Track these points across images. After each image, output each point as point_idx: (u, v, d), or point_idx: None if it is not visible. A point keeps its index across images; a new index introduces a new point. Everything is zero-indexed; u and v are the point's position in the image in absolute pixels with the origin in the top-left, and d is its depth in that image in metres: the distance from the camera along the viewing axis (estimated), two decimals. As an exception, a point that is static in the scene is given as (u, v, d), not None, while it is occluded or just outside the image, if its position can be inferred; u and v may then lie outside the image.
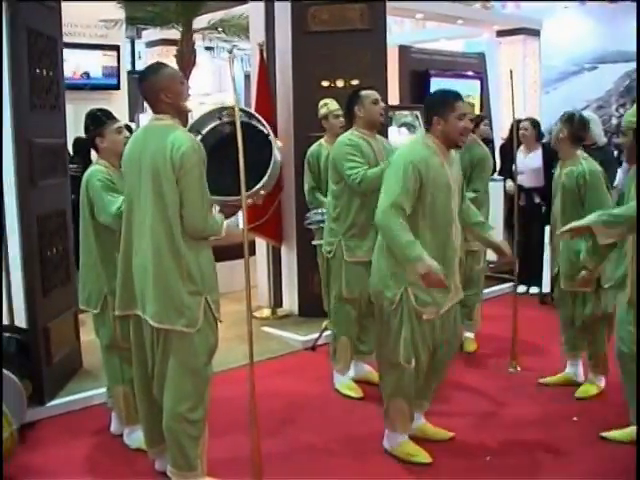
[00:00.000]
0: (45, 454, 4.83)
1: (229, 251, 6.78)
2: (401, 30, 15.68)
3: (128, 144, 4.12)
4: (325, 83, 7.35)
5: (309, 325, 7.32)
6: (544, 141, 8.42)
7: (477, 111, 11.20)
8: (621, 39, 14.47)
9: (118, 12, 11.27)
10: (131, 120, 12.26)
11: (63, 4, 5.94)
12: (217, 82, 17.57)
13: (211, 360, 4.10)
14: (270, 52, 7.73)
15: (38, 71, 5.43)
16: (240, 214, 4.26)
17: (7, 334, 5.30)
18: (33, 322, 5.35)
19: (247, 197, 4.16)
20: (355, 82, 7.19)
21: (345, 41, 7.28)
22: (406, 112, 10.83)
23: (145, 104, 4.27)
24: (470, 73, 12.90)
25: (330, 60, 7.33)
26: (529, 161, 8.20)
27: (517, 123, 7.54)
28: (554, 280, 5.66)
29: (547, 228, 5.79)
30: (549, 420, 5.23)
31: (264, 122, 4.70)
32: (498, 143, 10.46)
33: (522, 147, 8.20)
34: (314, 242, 6.51)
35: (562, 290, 5.54)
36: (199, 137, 4.59)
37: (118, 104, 11.18)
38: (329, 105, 6.51)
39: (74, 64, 11.07)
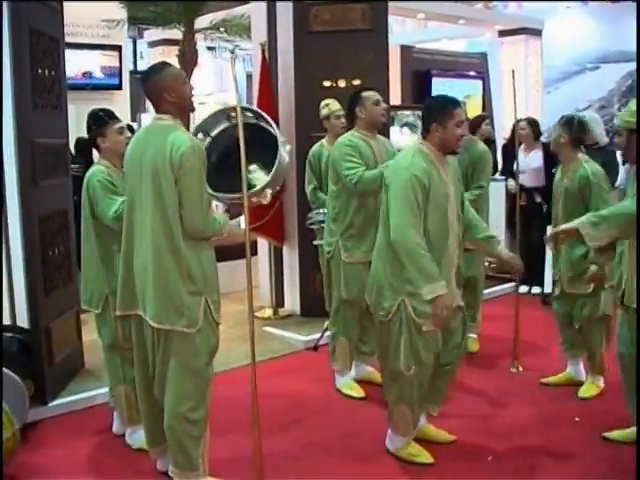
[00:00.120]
0: (47, 454, 4.84)
1: (231, 251, 6.78)
2: (403, 30, 15.67)
3: (130, 144, 4.12)
4: (327, 83, 7.35)
5: (311, 325, 7.32)
6: (545, 141, 8.42)
7: (479, 111, 11.22)
8: (623, 39, 14.45)
9: (120, 12, 11.29)
10: (133, 120, 12.28)
11: (65, 4, 5.95)
12: (219, 82, 17.59)
13: (212, 360, 4.10)
14: (272, 52, 7.74)
15: (40, 71, 5.43)
16: (242, 216, 4.26)
17: (9, 334, 5.31)
18: (35, 322, 5.35)
19: (252, 196, 4.16)
20: (357, 82, 7.20)
21: (347, 41, 7.28)
22: (408, 112, 10.82)
23: (147, 104, 4.28)
24: (472, 73, 12.90)
25: (332, 60, 7.33)
26: (530, 160, 8.19)
27: (518, 123, 7.54)
28: (554, 282, 5.65)
29: (549, 228, 5.77)
30: (551, 420, 5.23)
31: (272, 123, 4.70)
32: (500, 143, 10.45)
33: (522, 146, 8.20)
34: (316, 242, 6.51)
35: (562, 291, 5.53)
36: (209, 139, 4.59)
37: (120, 104, 11.19)
38: (330, 105, 6.51)
39: (76, 64, 11.08)
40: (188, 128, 4.30)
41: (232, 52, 12.27)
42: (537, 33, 13.68)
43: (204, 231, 3.92)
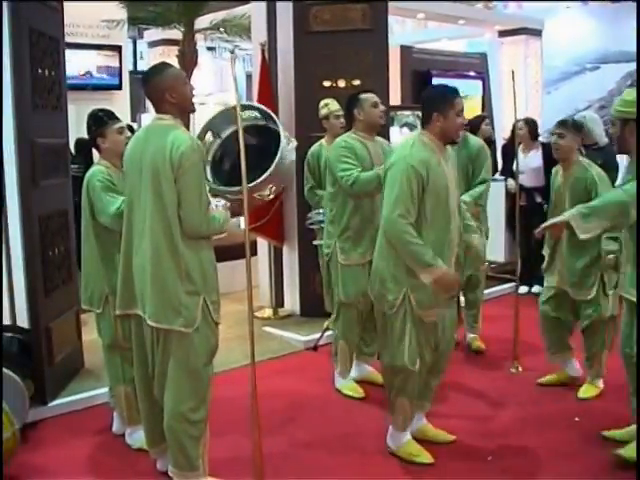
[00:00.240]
0: (47, 454, 4.84)
1: (231, 251, 6.78)
2: (403, 30, 15.69)
3: (129, 144, 4.12)
4: (327, 83, 7.34)
5: (311, 325, 7.32)
6: (544, 141, 8.43)
7: (479, 111, 11.23)
8: (623, 39, 14.46)
9: (120, 12, 11.29)
10: (133, 120, 12.27)
11: (65, 4, 5.95)
12: (219, 82, 17.58)
13: (212, 360, 4.10)
14: (272, 52, 7.73)
15: (40, 71, 5.43)
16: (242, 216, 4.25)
17: (9, 334, 5.31)
18: (35, 322, 5.35)
19: (253, 191, 4.15)
20: (357, 82, 7.19)
21: (347, 41, 7.27)
22: (408, 112, 10.84)
23: (147, 104, 4.27)
24: (472, 73, 12.92)
25: (332, 60, 7.32)
26: (529, 160, 8.19)
27: (518, 123, 7.55)
28: (549, 287, 5.62)
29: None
30: (550, 420, 5.23)
31: (277, 119, 4.69)
32: (500, 143, 10.46)
33: (521, 147, 8.20)
34: (315, 242, 6.52)
35: (557, 295, 5.53)
36: (219, 140, 4.57)
37: (120, 104, 11.19)
38: (330, 105, 6.51)
39: (76, 64, 11.07)
40: (188, 128, 4.29)
41: (232, 52, 12.28)
42: (537, 33, 13.70)
43: (203, 231, 3.92)
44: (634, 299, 4.24)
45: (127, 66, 12.63)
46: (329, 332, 6.24)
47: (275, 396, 5.56)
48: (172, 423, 4.01)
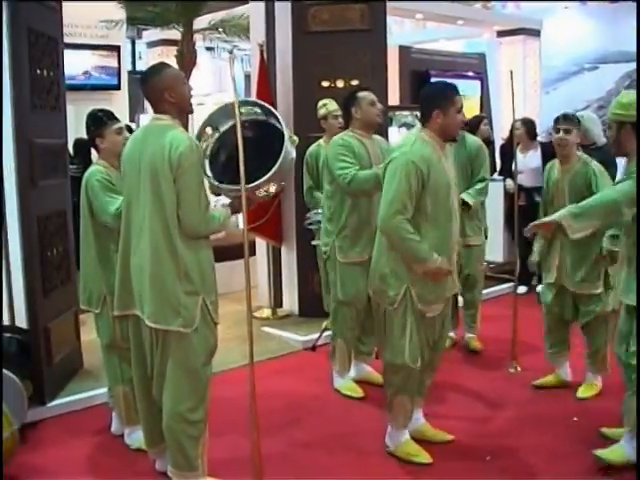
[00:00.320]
0: (46, 454, 4.84)
1: (229, 251, 6.80)
2: (401, 30, 15.69)
3: (127, 144, 4.12)
4: (325, 83, 7.35)
5: (309, 325, 7.32)
6: (543, 140, 8.43)
7: (477, 111, 11.23)
8: (622, 39, 14.45)
9: (119, 12, 11.29)
10: (131, 120, 12.27)
11: (64, 4, 5.95)
12: (217, 82, 17.57)
13: (210, 360, 4.10)
14: (270, 52, 7.73)
15: (39, 71, 5.43)
16: (240, 216, 4.24)
17: (8, 334, 5.30)
18: (34, 322, 5.35)
19: (257, 188, 4.15)
20: (355, 82, 7.19)
21: (345, 41, 7.28)
22: (406, 112, 10.84)
23: (146, 104, 4.26)
24: (470, 73, 12.91)
25: (330, 60, 7.33)
26: (528, 160, 8.20)
27: (515, 123, 7.55)
28: (549, 284, 5.62)
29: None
30: (549, 420, 5.23)
31: (279, 116, 4.69)
32: (498, 143, 10.46)
33: (520, 146, 8.21)
34: (314, 242, 6.52)
35: (561, 291, 5.53)
36: (217, 134, 4.56)
37: (119, 104, 11.20)
38: (328, 106, 6.51)
39: (75, 64, 11.07)
40: (187, 128, 4.29)
41: (230, 52, 12.27)
42: (535, 33, 13.71)
43: (202, 230, 3.93)
44: (629, 302, 4.24)
45: (126, 66, 12.64)
46: (328, 332, 6.24)
47: (274, 396, 5.57)
48: (171, 423, 4.01)
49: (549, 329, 5.71)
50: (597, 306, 5.39)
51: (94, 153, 4.91)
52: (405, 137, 4.58)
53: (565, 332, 5.68)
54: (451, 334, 6.53)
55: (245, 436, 4.29)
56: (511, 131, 8.03)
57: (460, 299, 6.67)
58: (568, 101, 13.89)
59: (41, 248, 5.39)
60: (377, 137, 5.71)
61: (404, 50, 12.16)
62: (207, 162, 4.32)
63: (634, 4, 13.42)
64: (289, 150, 4.37)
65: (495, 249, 8.84)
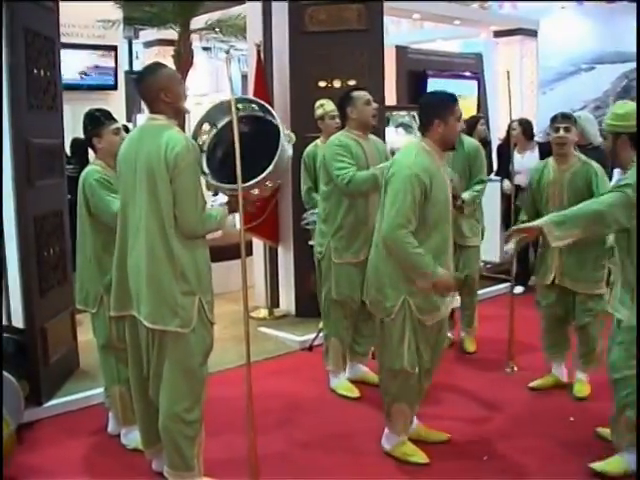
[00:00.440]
0: (43, 454, 4.84)
1: (226, 251, 6.80)
2: (398, 30, 15.71)
3: (123, 144, 4.11)
4: (322, 83, 7.34)
5: (306, 325, 7.31)
6: (541, 140, 8.43)
7: (474, 112, 11.23)
8: (618, 39, 14.49)
9: (116, 12, 11.28)
10: (128, 120, 12.26)
11: (61, 4, 5.94)
12: (214, 82, 17.59)
13: (207, 360, 4.10)
14: (267, 52, 7.73)
15: (35, 71, 5.42)
16: (238, 214, 4.23)
17: (4, 334, 5.30)
18: (30, 322, 5.35)
19: (253, 187, 4.14)
20: (352, 82, 7.19)
21: (342, 41, 7.28)
22: (403, 112, 10.83)
23: (142, 104, 4.25)
24: (467, 73, 12.91)
25: (327, 60, 7.32)
26: (526, 161, 8.19)
27: (512, 124, 7.56)
28: (547, 286, 5.61)
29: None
30: (546, 420, 5.24)
31: (275, 114, 4.69)
32: (495, 144, 10.47)
33: (517, 147, 8.21)
34: (311, 242, 6.51)
35: (559, 292, 5.52)
36: (215, 130, 4.56)
37: (115, 104, 11.18)
38: (325, 106, 6.51)
39: (72, 64, 11.06)
40: (184, 128, 4.28)
41: (227, 52, 12.26)
42: (532, 34, 13.73)
43: (199, 230, 3.93)
44: (619, 317, 4.23)
45: (123, 66, 12.63)
46: (323, 332, 6.24)
47: (270, 396, 5.57)
48: (167, 423, 4.01)
49: (547, 330, 5.72)
50: (598, 305, 5.38)
51: (91, 153, 4.91)
52: (406, 147, 4.57)
53: (564, 332, 5.68)
54: (448, 334, 6.52)
55: (242, 436, 4.29)
56: (508, 131, 8.04)
57: (457, 299, 6.67)
58: (565, 101, 13.92)
59: (38, 248, 5.39)
60: (373, 137, 5.71)
61: (401, 50, 12.15)
62: (204, 158, 4.31)
63: (631, 4, 13.46)
64: (285, 148, 4.37)
65: (492, 249, 8.84)
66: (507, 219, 8.07)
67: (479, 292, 7.07)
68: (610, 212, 4.07)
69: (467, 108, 10.38)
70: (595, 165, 5.33)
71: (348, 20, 7.33)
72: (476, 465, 4.61)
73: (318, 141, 6.63)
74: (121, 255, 4.04)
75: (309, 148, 6.67)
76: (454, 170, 5.80)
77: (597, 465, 4.39)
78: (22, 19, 5.21)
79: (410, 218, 4.21)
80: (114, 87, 11.94)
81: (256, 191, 4.31)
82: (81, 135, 4.96)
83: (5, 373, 4.78)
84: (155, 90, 3.93)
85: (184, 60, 10.60)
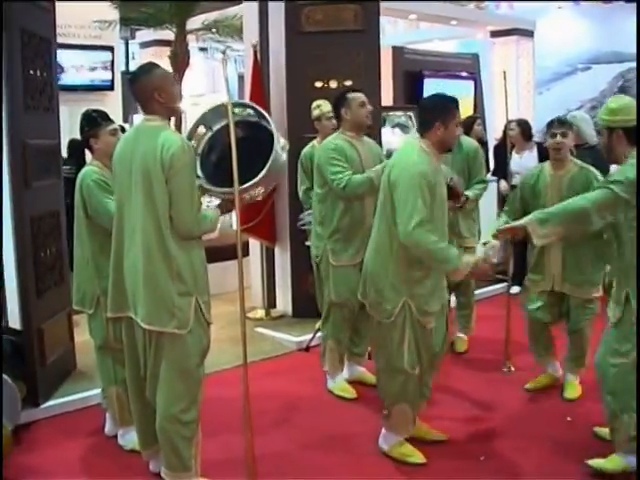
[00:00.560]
0: (40, 455, 4.83)
1: (222, 252, 6.79)
2: (395, 31, 15.70)
3: (119, 144, 4.11)
4: (318, 84, 7.34)
5: (303, 326, 7.31)
6: (538, 141, 8.44)
7: (471, 112, 11.23)
8: (615, 40, 14.50)
9: (112, 13, 11.26)
10: (125, 121, 12.26)
11: (57, 5, 5.94)
12: (211, 83, 17.58)
13: (203, 361, 4.11)
14: (264, 53, 7.73)
15: (32, 72, 5.42)
16: (234, 215, 4.24)
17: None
18: (27, 323, 5.34)
19: (244, 191, 4.15)
20: (348, 83, 7.19)
21: (338, 42, 7.28)
22: (399, 113, 10.83)
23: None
24: (464, 74, 12.91)
25: (323, 60, 7.32)
26: (524, 161, 8.19)
27: (509, 124, 7.56)
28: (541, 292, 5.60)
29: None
30: (543, 420, 5.24)
31: (270, 120, 4.69)
32: (492, 144, 10.47)
33: (515, 147, 8.22)
34: (308, 243, 6.52)
35: (552, 297, 5.53)
36: (210, 133, 4.56)
37: (112, 105, 11.16)
38: (322, 107, 6.50)
39: (68, 65, 11.06)
40: (180, 129, 4.29)
41: (224, 53, 12.26)
42: (529, 34, 13.72)
43: (195, 230, 3.93)
44: (614, 320, 4.24)
45: (119, 67, 12.61)
46: (321, 333, 6.24)
47: (267, 397, 5.57)
48: (164, 424, 4.01)
49: (534, 335, 5.70)
50: (594, 308, 5.39)
51: (88, 154, 4.90)
52: (404, 147, 4.58)
53: (550, 335, 5.69)
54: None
55: (239, 436, 4.29)
56: (504, 132, 8.04)
57: (452, 299, 6.67)
58: (561, 101, 13.96)
59: (34, 249, 5.39)
60: (367, 139, 5.70)
61: (397, 50, 12.15)
62: (198, 161, 4.32)
63: (627, 4, 13.47)
64: (279, 154, 4.38)
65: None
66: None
67: (476, 292, 7.07)
68: (593, 209, 4.07)
69: (464, 108, 10.28)
70: (593, 170, 5.31)
71: (344, 20, 7.33)
72: (473, 465, 4.61)
73: (315, 142, 6.63)
74: (117, 256, 4.04)
75: (306, 149, 6.67)
76: (453, 170, 5.81)
77: (596, 462, 4.38)
78: (18, 19, 5.20)
79: (425, 215, 4.19)
80: (110, 88, 11.93)
81: (255, 193, 4.32)
82: (78, 136, 4.96)
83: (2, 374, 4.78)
84: (149, 90, 3.92)
85: (180, 60, 10.60)
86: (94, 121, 4.76)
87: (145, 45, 14.65)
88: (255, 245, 8.12)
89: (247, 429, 4.08)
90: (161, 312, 3.86)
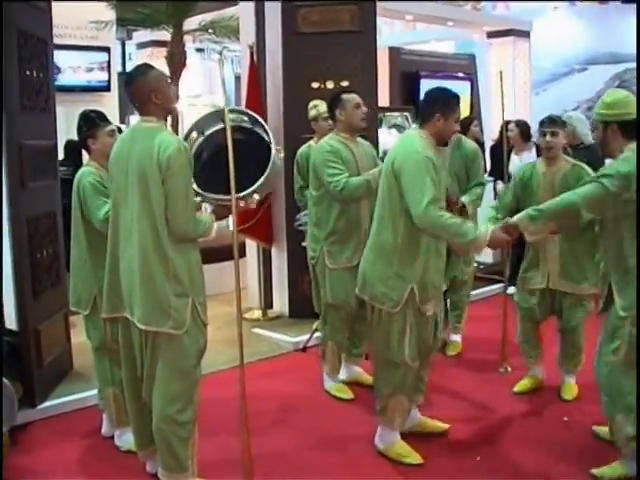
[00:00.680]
0: (36, 456, 4.83)
1: (219, 253, 6.80)
2: (391, 31, 15.72)
3: (115, 145, 4.11)
4: (315, 84, 7.35)
5: (299, 326, 7.32)
6: (537, 142, 8.44)
7: (467, 113, 11.24)
8: (611, 40, 14.53)
9: (108, 13, 11.25)
10: (122, 122, 12.24)
11: (53, 5, 5.93)
12: (207, 83, 17.57)
13: (200, 362, 4.11)
14: (260, 53, 7.73)
15: (28, 73, 5.42)
16: (231, 217, 4.25)
17: (-3, 336, 5.30)
18: (23, 324, 5.34)
19: (240, 199, 4.16)
20: (345, 83, 7.20)
21: (335, 42, 7.29)
22: (396, 114, 10.82)
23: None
24: (460, 74, 12.90)
25: (320, 61, 7.33)
26: (524, 162, 8.18)
27: (506, 125, 7.56)
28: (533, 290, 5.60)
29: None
30: (539, 420, 5.26)
31: (267, 128, 4.70)
32: (488, 144, 10.47)
33: (515, 148, 8.23)
34: (304, 243, 6.51)
35: (545, 297, 5.53)
36: (201, 138, 4.57)
37: (108, 106, 11.13)
38: (319, 107, 6.50)
39: (64, 65, 11.05)
40: (177, 130, 4.29)
41: (220, 54, 12.26)
42: (525, 34, 13.72)
43: (190, 232, 3.93)
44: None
45: (116, 67, 12.60)
46: (318, 333, 6.25)
47: (264, 397, 5.57)
48: (160, 425, 4.01)
49: (527, 335, 5.70)
50: (586, 308, 5.40)
51: (85, 155, 4.90)
52: (405, 137, 4.63)
53: (539, 336, 5.71)
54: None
55: (235, 437, 4.29)
56: (501, 132, 8.05)
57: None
58: (558, 102, 13.97)
59: (31, 250, 5.38)
60: (361, 140, 5.70)
61: (394, 51, 12.13)
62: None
63: (623, 5, 13.49)
64: (276, 161, 4.40)
65: (485, 250, 8.83)
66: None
67: (473, 293, 7.08)
68: (583, 203, 4.07)
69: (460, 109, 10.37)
70: (585, 167, 5.32)
71: (341, 21, 7.34)
72: (470, 465, 4.62)
73: (311, 142, 6.62)
74: (113, 257, 4.04)
75: (302, 149, 6.66)
76: (451, 171, 5.82)
77: (599, 470, 4.37)
78: (15, 20, 5.19)
79: (435, 194, 4.22)
80: (107, 88, 11.91)
81: (243, 203, 4.34)
82: (74, 137, 4.95)
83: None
84: (146, 92, 3.93)
85: (177, 61, 10.59)
86: (92, 121, 4.75)
87: (142, 46, 14.64)
88: (252, 246, 8.12)
89: (244, 429, 4.08)
90: (157, 312, 3.87)
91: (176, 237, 3.87)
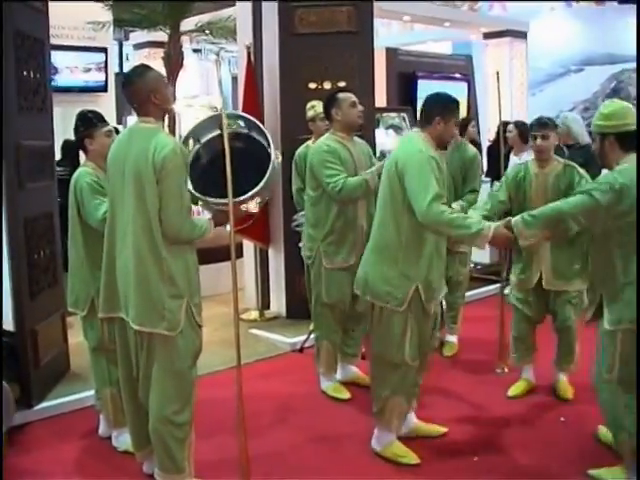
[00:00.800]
0: (33, 457, 4.83)
1: (216, 253, 6.78)
2: (388, 32, 15.72)
3: (113, 146, 4.11)
4: (312, 85, 7.35)
5: (297, 327, 7.31)
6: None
7: (464, 114, 11.24)
8: (608, 41, 14.54)
9: (105, 14, 11.26)
10: (119, 122, 12.25)
11: (50, 5, 5.93)
12: (204, 84, 17.57)
13: (196, 363, 4.11)
14: (257, 54, 7.72)
15: (25, 73, 5.42)
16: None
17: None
18: (20, 325, 5.34)
19: (239, 203, 4.16)
20: (342, 84, 7.19)
21: (332, 43, 7.29)
22: (393, 114, 10.83)
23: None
24: (457, 75, 12.92)
25: (317, 62, 7.33)
26: (523, 163, 8.20)
27: (503, 125, 7.56)
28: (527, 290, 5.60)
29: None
30: (536, 420, 5.25)
31: (266, 132, 4.70)
32: (485, 145, 10.48)
33: (514, 149, 8.24)
34: (301, 244, 6.52)
35: (539, 296, 5.54)
36: (198, 145, 4.58)
37: (105, 106, 11.13)
38: (316, 107, 6.50)
39: (62, 66, 11.05)
40: (174, 132, 4.30)
41: (217, 54, 12.26)
42: (522, 35, 13.75)
43: (183, 234, 3.91)
44: (608, 327, 4.20)
45: (113, 68, 12.61)
46: (314, 334, 6.25)
47: (261, 398, 5.57)
48: (157, 426, 4.01)
49: (519, 332, 5.71)
50: (579, 306, 5.40)
51: (82, 155, 4.90)
52: (407, 139, 4.67)
53: (534, 335, 5.72)
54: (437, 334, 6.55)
55: (232, 438, 4.29)
56: (498, 133, 8.06)
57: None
58: (554, 103, 13.99)
59: (28, 250, 5.38)
60: (358, 140, 5.71)
61: (391, 52, 12.15)
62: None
63: (620, 6, 13.51)
64: (275, 167, 4.41)
65: (481, 251, 8.84)
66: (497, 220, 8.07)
67: (469, 293, 7.08)
68: (572, 214, 4.07)
69: (457, 110, 10.38)
70: (577, 167, 5.32)
71: (338, 22, 7.34)
72: (467, 465, 4.62)
73: (309, 142, 6.62)
74: (109, 257, 4.04)
75: (300, 149, 6.66)
76: (449, 171, 5.81)
77: (597, 472, 4.37)
78: (12, 21, 5.19)
79: (438, 191, 4.22)
80: (104, 89, 11.92)
81: (243, 207, 4.34)
82: (71, 137, 4.95)
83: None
84: (145, 93, 3.93)
85: (174, 62, 10.61)
86: (89, 122, 4.75)
87: (139, 46, 14.65)
88: (249, 246, 8.12)
89: (241, 430, 4.08)
90: (151, 313, 3.87)
91: (168, 238, 3.86)
